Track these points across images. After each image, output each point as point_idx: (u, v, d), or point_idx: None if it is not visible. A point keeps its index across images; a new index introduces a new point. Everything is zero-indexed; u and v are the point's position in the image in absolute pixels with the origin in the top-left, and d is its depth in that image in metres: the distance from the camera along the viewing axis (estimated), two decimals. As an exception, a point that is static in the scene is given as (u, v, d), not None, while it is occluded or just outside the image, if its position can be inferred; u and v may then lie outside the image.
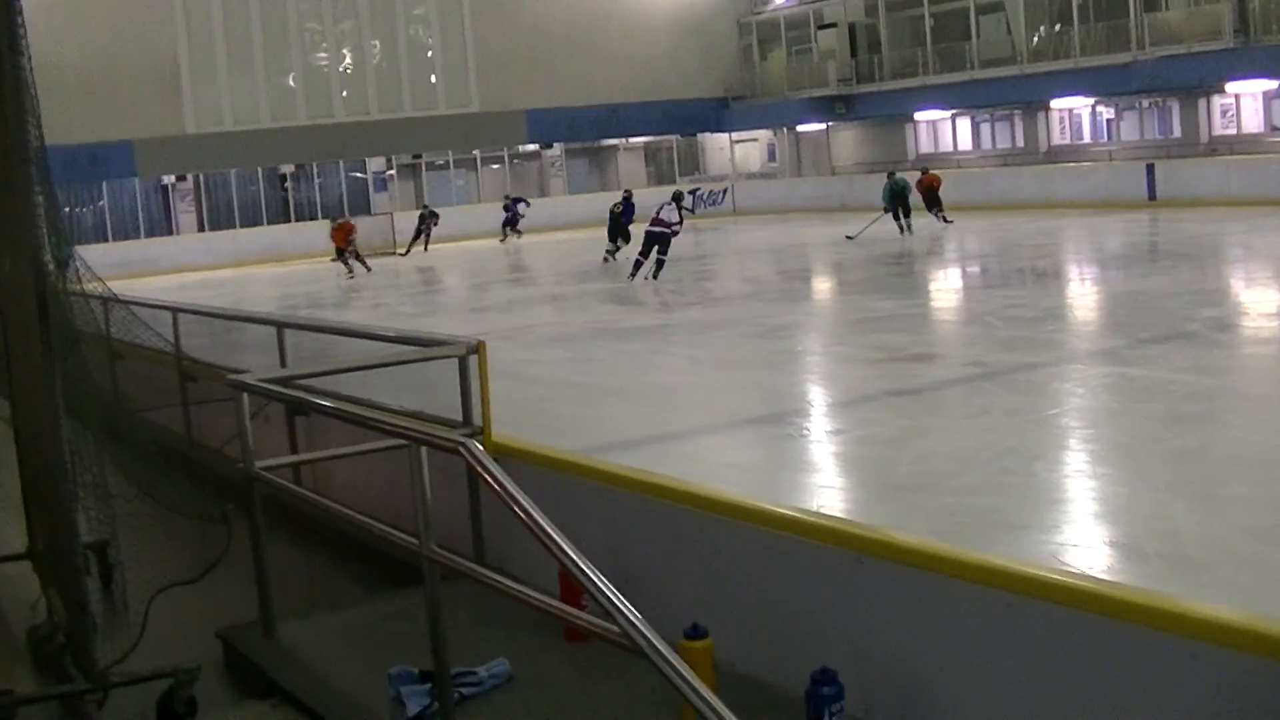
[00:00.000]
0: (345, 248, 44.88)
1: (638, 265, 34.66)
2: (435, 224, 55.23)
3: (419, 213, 56.13)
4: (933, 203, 45.12)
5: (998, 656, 5.30)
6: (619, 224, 40.82)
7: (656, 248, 34.52)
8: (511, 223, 57.53)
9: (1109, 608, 4.86)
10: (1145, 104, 51.93)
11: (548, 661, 6.91)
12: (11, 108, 6.69)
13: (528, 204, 58.74)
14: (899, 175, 44.69)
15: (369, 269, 44.94)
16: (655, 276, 33.92)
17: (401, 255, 53.80)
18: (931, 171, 47.01)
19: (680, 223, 35.30)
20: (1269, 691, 4.41)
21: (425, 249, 54.52)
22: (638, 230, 36.96)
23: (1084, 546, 10.33)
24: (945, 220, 44.71)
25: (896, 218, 43.30)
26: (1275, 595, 8.70)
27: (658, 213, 35.27)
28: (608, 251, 40.67)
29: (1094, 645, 4.93)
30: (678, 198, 36.20)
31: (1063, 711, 5.07)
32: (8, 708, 6.85)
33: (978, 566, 5.33)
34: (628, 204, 41.92)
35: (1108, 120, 54.15)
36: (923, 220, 43.77)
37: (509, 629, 7.18)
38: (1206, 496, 11.40)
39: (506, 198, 59.24)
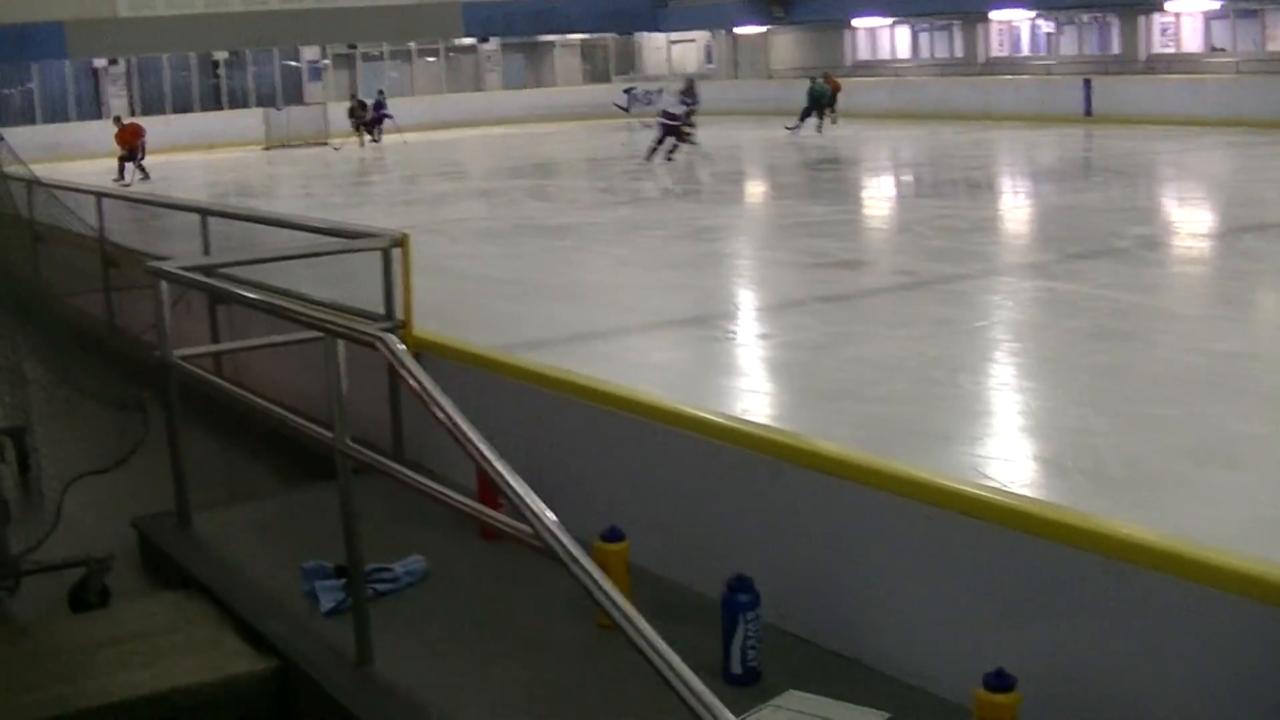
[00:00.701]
0: (135, 149, 40.97)
1: (652, 150, 36.70)
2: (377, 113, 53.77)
3: (374, 100, 54.55)
4: (829, 104, 47.07)
5: (914, 569, 5.29)
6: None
7: (667, 137, 36.61)
8: (376, 122, 53.57)
9: (1028, 524, 4.84)
10: (1085, 19, 51.93)
11: (464, 560, 6.87)
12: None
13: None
14: (819, 81, 46.90)
15: (147, 176, 40.66)
16: (659, 158, 36.49)
17: (374, 143, 52.78)
18: (833, 77, 49.10)
19: (685, 114, 37.35)
20: (1186, 610, 4.41)
21: (377, 139, 53.29)
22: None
23: (1006, 460, 10.38)
24: (831, 123, 46.68)
25: (804, 119, 45.53)
26: (1193, 514, 8.76)
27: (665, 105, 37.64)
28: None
29: (1013, 561, 4.91)
30: (685, 89, 37.64)
31: (979, 627, 5.07)
32: (-83, 592, 6.81)
33: (897, 477, 5.30)
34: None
35: (1047, 34, 54.17)
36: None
37: (426, 526, 7.14)
38: (1129, 414, 11.45)
39: (379, 93, 56.01)
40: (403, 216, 26.92)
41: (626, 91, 60.70)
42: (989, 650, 4.81)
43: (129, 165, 40.66)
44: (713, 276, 19.86)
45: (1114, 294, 16.31)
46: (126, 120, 43.94)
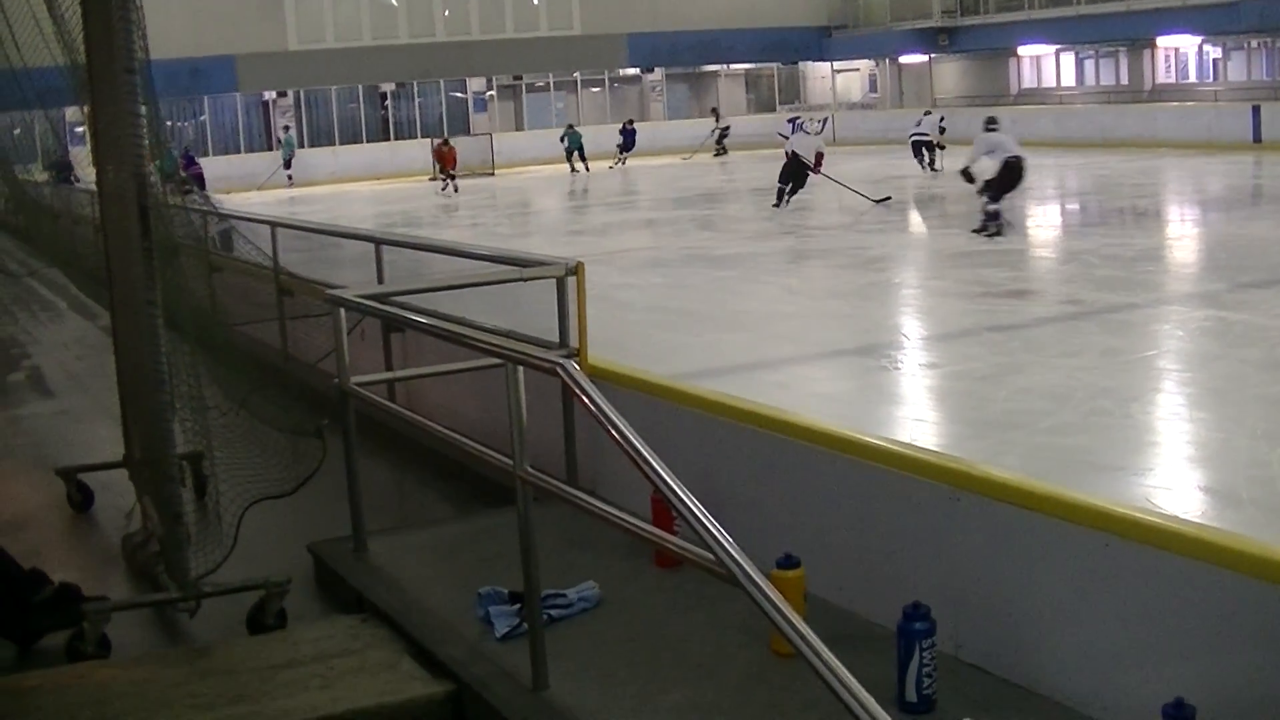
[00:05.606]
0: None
1: (780, 194, 34.61)
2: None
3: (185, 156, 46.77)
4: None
5: (1091, 598, 5.24)
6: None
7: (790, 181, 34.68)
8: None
9: (1208, 553, 4.78)
10: (1253, 44, 51.24)
11: (637, 586, 6.89)
12: (117, 19, 6.69)
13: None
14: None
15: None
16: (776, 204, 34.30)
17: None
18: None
19: (796, 153, 34.94)
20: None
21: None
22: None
23: (1177, 490, 10.27)
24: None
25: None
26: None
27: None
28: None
29: (1190, 590, 4.85)
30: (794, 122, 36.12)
31: (1157, 657, 5.02)
32: (103, 613, 6.92)
33: (1076, 506, 5.26)
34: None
35: (1214, 60, 53.49)
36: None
37: (598, 552, 7.19)
38: (1304, 444, 11.29)
39: (186, 150, 48.65)
40: (569, 246, 27.05)
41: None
42: (1167, 680, 4.76)
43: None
44: (880, 306, 19.82)
45: (1288, 324, 16.08)
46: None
